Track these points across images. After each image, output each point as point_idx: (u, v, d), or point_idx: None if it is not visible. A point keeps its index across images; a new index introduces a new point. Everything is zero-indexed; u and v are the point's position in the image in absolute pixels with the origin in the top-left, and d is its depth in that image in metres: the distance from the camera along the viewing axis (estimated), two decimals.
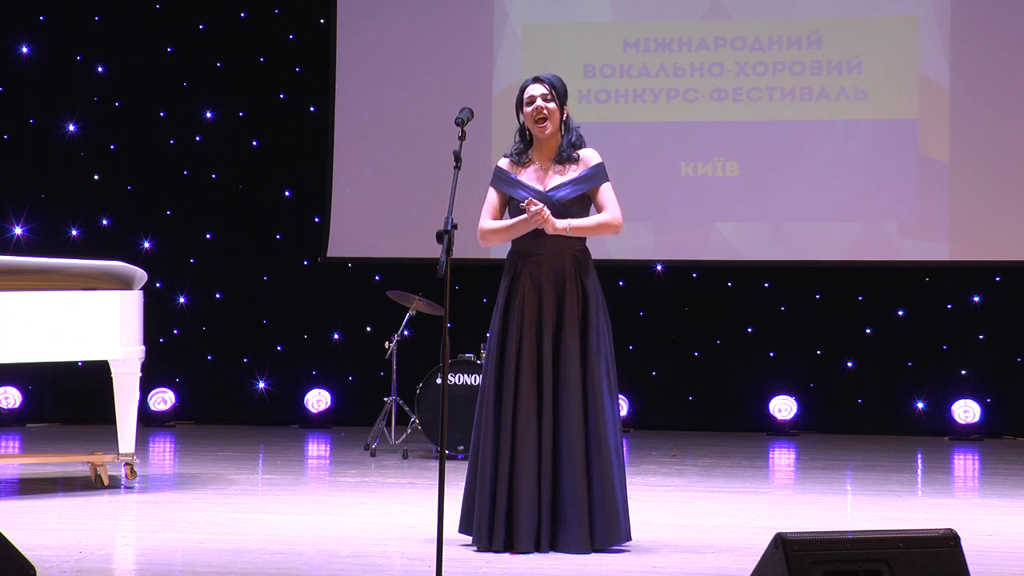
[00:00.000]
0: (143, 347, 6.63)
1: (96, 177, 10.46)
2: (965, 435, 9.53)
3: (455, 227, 4.34)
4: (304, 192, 10.38)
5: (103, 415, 7.57)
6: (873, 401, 9.88)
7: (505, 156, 5.14)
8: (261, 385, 10.36)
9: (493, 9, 9.94)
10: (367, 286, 10.18)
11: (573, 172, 5.03)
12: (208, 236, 10.47)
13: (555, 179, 5.03)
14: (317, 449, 9.04)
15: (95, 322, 6.33)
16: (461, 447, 7.85)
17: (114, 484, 6.65)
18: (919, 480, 7.71)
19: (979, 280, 9.75)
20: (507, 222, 5.00)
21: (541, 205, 4.87)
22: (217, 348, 10.46)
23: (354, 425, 9.85)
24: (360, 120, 10.11)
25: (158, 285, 10.08)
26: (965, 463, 8.45)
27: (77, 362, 8.55)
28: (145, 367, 6.73)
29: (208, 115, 10.45)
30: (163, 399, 10.18)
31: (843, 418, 9.90)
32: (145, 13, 10.49)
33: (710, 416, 9.98)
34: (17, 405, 10.25)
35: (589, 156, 5.06)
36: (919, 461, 8.51)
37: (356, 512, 6.02)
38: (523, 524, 4.81)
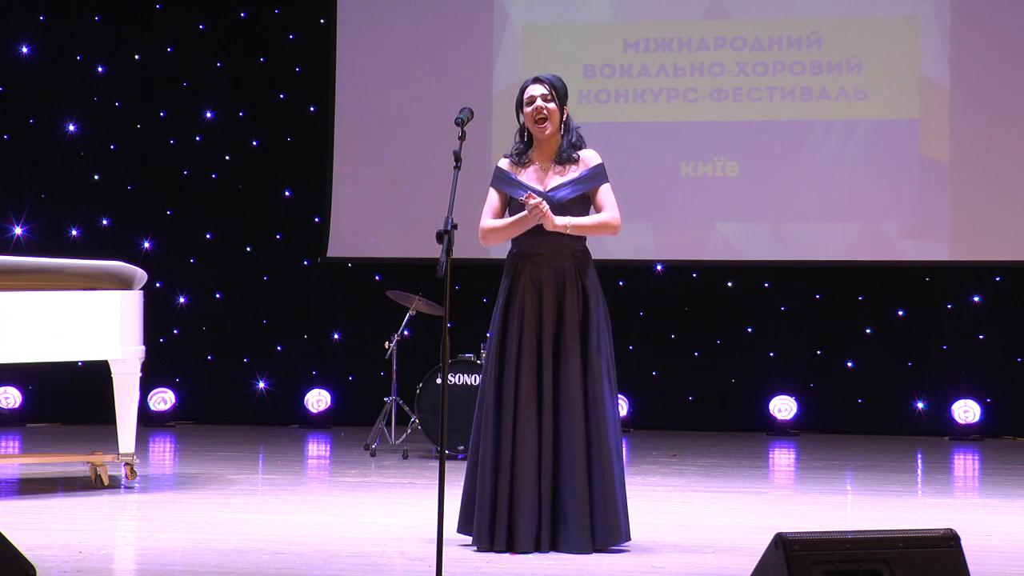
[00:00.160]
0: (143, 347, 6.63)
1: (96, 177, 10.46)
2: (965, 435, 9.53)
3: (455, 227, 4.34)
4: (304, 192, 10.38)
5: (103, 415, 7.56)
6: (873, 401, 9.88)
7: (505, 156, 5.14)
8: (261, 385, 10.36)
9: (493, 9, 9.94)
10: (367, 286, 10.18)
11: (573, 172, 5.03)
12: (208, 236, 10.47)
13: (555, 179, 5.03)
14: (317, 449, 9.04)
15: (95, 322, 6.33)
16: (461, 447, 7.85)
17: (114, 484, 6.66)
18: (919, 480, 7.71)
19: (979, 280, 9.75)
20: (507, 220, 5.00)
21: (539, 200, 4.88)
22: (217, 348, 10.46)
23: (354, 425, 9.85)
24: (360, 120, 10.11)
25: (158, 285, 10.08)
26: (965, 463, 8.45)
27: (77, 362, 8.55)
28: (145, 367, 6.73)
29: (208, 115, 10.45)
30: (163, 399, 10.18)
31: (843, 418, 9.90)
32: (145, 13, 10.49)
33: (710, 416, 9.98)
34: (17, 405, 10.26)
35: (589, 157, 5.06)
36: (919, 461, 8.51)
37: (356, 512, 6.01)
38: (523, 524, 4.81)
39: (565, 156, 5.04)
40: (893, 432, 9.69)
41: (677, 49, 9.76)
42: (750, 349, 10.00)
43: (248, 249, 10.44)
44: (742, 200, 9.64)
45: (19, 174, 10.40)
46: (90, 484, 6.59)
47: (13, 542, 3.86)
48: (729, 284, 10.03)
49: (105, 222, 10.41)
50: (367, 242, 10.10)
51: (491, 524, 4.83)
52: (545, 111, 4.98)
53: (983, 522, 5.78)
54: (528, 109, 5.01)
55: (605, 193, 5.02)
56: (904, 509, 6.27)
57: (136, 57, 10.50)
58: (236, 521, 5.64)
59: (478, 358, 8.00)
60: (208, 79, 10.45)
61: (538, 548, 4.82)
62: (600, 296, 5.00)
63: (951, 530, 3.53)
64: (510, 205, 5.06)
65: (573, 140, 5.06)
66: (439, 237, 4.32)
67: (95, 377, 7.90)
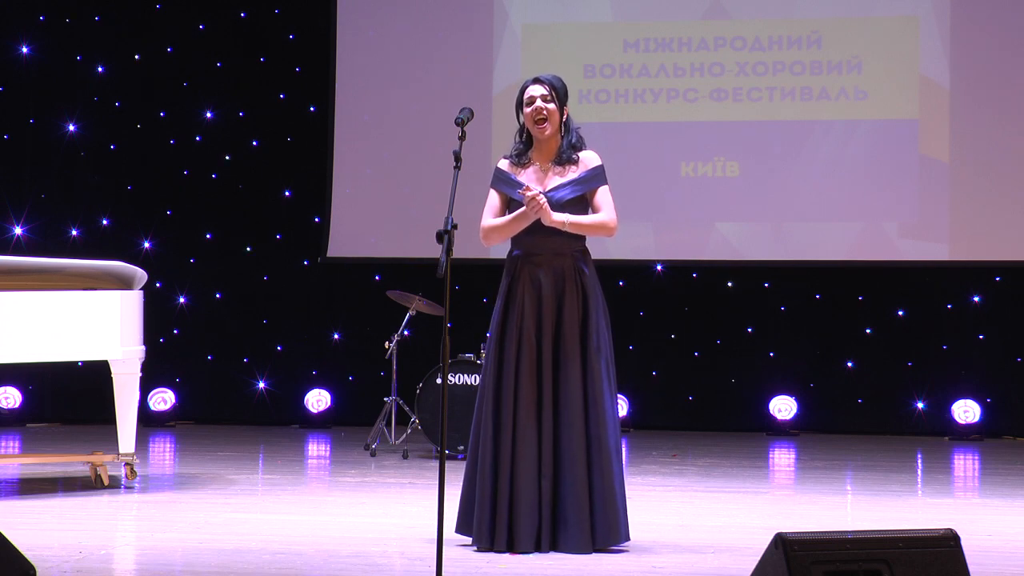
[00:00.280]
0: (143, 347, 6.63)
1: (96, 177, 10.46)
2: (965, 435, 9.53)
3: (455, 227, 4.34)
4: (304, 192, 10.38)
5: (103, 415, 7.56)
6: (873, 401, 9.88)
7: (505, 157, 5.14)
8: (261, 385, 10.36)
9: (493, 9, 9.94)
10: (367, 286, 10.18)
11: (572, 173, 5.03)
12: (208, 236, 10.47)
13: (555, 180, 5.03)
14: (317, 449, 9.04)
15: (95, 322, 6.33)
16: (461, 447, 7.85)
17: (114, 484, 6.65)
18: (919, 480, 7.71)
19: (979, 280, 9.75)
20: (507, 218, 5.00)
21: (538, 190, 4.88)
22: (217, 348, 10.46)
23: (354, 425, 9.85)
24: (360, 120, 10.11)
25: (158, 285, 10.08)
26: (965, 463, 8.45)
27: (77, 362, 8.55)
28: (145, 367, 6.73)
29: (208, 115, 10.45)
30: (163, 399, 10.18)
31: (843, 418, 9.90)
32: (145, 13, 10.49)
33: (710, 416, 9.98)
34: (17, 405, 10.25)
35: (589, 158, 5.06)
36: (919, 461, 8.51)
37: (356, 512, 6.01)
38: (523, 524, 4.81)
39: (565, 157, 5.04)
40: (893, 432, 9.69)
41: (677, 49, 9.76)
42: (750, 349, 10.00)
43: (248, 249, 10.43)
44: (742, 200, 9.64)
45: (19, 174, 10.40)
46: (90, 484, 6.59)
47: (13, 542, 3.86)
48: (729, 284, 10.03)
49: (105, 222, 10.41)
50: (367, 242, 10.10)
51: (491, 524, 4.83)
52: (545, 111, 4.98)
53: (983, 522, 5.78)
54: (528, 109, 5.01)
55: (603, 195, 5.02)
56: (904, 509, 6.27)
57: (136, 57, 10.50)
58: (236, 521, 5.64)
59: (478, 358, 8.00)
60: (208, 79, 10.45)
61: (538, 548, 4.82)
62: (600, 296, 5.00)
63: (951, 530, 3.53)
64: (510, 206, 5.06)
65: (573, 141, 5.06)
66: (439, 237, 4.32)
67: (95, 377, 7.90)
